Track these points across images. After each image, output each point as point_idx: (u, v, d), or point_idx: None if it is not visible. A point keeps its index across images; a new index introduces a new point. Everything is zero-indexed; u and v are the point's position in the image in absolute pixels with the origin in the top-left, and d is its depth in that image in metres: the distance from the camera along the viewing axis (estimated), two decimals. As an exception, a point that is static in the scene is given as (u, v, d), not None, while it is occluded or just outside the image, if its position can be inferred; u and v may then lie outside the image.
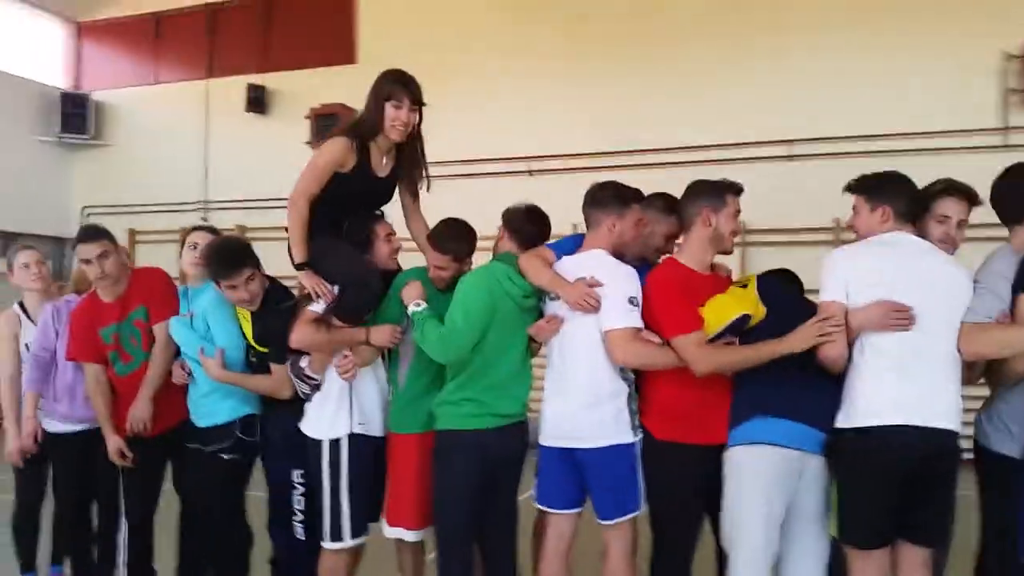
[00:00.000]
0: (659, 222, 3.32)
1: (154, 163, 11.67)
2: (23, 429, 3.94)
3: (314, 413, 3.33)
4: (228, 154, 11.17)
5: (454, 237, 3.30)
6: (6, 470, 4.21)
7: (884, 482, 2.71)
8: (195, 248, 3.75)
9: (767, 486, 2.84)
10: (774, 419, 2.87)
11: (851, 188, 3.00)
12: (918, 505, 2.74)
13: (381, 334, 3.22)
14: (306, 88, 10.66)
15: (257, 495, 3.74)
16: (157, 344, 3.68)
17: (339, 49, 10.80)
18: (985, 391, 3.05)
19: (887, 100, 8.58)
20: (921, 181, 3.03)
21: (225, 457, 3.57)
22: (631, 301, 3.01)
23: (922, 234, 2.94)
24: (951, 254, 2.94)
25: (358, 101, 10.11)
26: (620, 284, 3.03)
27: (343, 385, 3.27)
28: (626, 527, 3.12)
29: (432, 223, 3.46)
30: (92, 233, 3.71)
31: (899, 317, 2.71)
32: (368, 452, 3.31)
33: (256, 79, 11.08)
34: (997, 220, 3.02)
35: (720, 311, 2.94)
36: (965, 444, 2.84)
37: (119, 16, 12.24)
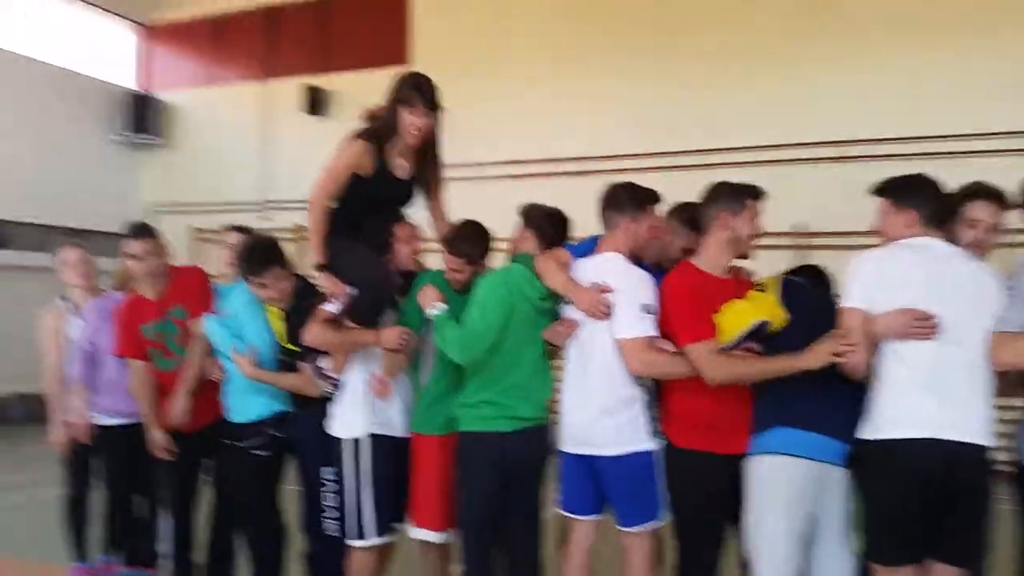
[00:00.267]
0: (679, 235, 3.28)
1: (216, 163, 12.01)
2: (76, 423, 4.10)
3: (337, 412, 3.40)
4: (286, 154, 11.40)
5: (467, 240, 3.32)
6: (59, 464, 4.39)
7: (907, 497, 2.61)
8: (231, 249, 3.84)
9: (788, 498, 2.78)
10: (796, 430, 2.80)
11: (877, 191, 2.91)
12: (946, 522, 2.63)
13: (390, 336, 3.25)
14: (362, 89, 10.77)
15: (294, 489, 3.82)
16: (193, 341, 3.79)
17: (394, 50, 10.93)
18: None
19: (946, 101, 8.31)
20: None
21: (258, 453, 3.67)
22: (645, 308, 2.97)
23: (952, 239, 2.83)
24: (981, 260, 2.83)
25: (412, 102, 10.01)
26: (634, 291, 3.00)
27: (363, 386, 3.32)
28: (647, 536, 3.09)
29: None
30: (141, 230, 3.87)
31: (923, 325, 2.61)
32: (390, 452, 3.35)
33: (313, 80, 11.31)
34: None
35: (736, 318, 2.88)
36: (1004, 457, 2.74)
37: (184, 18, 12.62)
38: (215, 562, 3.92)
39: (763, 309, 2.91)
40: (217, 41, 12.41)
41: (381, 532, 3.35)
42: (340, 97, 11.20)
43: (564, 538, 3.30)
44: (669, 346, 2.97)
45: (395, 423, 3.39)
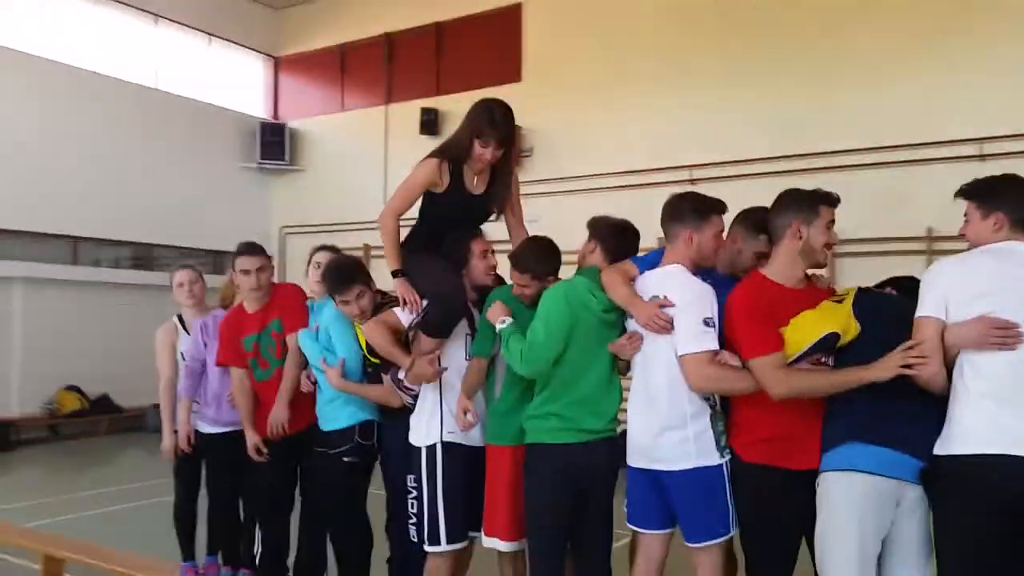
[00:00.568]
0: (748, 241, 3.19)
1: (341, 185, 12.60)
2: (179, 433, 4.43)
3: (414, 422, 3.52)
4: (405, 174, 11.78)
5: (533, 256, 3.35)
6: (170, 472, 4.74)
7: (982, 518, 2.43)
8: (318, 267, 4.04)
9: (860, 517, 2.65)
10: (869, 445, 2.67)
11: (962, 193, 2.73)
12: None
13: (420, 368, 3.36)
14: (474, 108, 11.08)
15: (380, 494, 3.96)
16: (289, 353, 4.02)
17: (506, 68, 11.19)
18: None
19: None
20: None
21: (346, 459, 3.82)
22: (706, 323, 2.90)
23: None
24: None
25: (523, 118, 10.48)
26: (694, 304, 2.93)
27: (436, 395, 3.42)
28: (715, 550, 3.01)
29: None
30: (252, 248, 4.14)
31: (1003, 335, 2.44)
32: (464, 461, 3.42)
33: (429, 102, 11.68)
34: None
35: (805, 329, 2.77)
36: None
37: (311, 49, 13.37)
38: (306, 567, 4.09)
39: (834, 320, 2.80)
40: (341, 70, 13.08)
41: (454, 539, 3.41)
42: (454, 117, 11.46)
43: (633, 551, 3.26)
44: (733, 360, 2.90)
45: (470, 433, 3.45)
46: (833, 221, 2.95)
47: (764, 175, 8.66)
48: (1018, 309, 2.46)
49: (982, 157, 8.05)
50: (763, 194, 3.23)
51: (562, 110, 10.66)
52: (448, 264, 3.49)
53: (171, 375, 4.57)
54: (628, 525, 3.19)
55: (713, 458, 2.95)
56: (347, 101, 13.01)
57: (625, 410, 3.17)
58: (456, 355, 3.48)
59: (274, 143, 13.14)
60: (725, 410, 3.05)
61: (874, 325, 2.75)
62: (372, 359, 3.77)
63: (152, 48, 12.23)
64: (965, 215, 2.73)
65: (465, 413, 3.39)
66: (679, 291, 2.96)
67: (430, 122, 11.53)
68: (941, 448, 2.54)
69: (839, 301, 2.88)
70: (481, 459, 3.45)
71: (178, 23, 12.43)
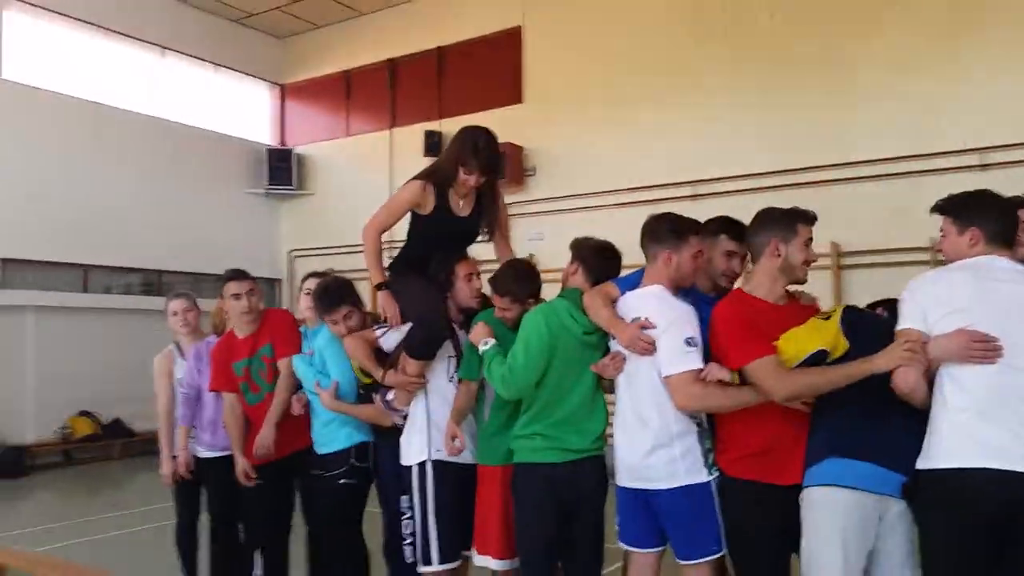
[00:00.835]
0: (713, 247, 3.23)
1: (347, 208, 12.62)
2: (178, 458, 4.50)
3: (404, 441, 3.56)
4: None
5: (511, 280, 3.39)
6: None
7: (967, 531, 2.43)
8: (309, 293, 4.10)
9: (844, 531, 2.64)
10: (851, 460, 2.67)
11: (938, 209, 2.76)
12: (1012, 563, 2.43)
13: (398, 386, 3.48)
14: (476, 130, 11.18)
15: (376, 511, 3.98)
16: (281, 377, 4.08)
17: (507, 90, 11.29)
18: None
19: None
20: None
21: (342, 482, 3.86)
22: (688, 342, 2.92)
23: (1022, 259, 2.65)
24: None
25: (525, 139, 10.57)
26: (676, 325, 2.96)
27: (424, 415, 3.48)
28: (707, 568, 3.02)
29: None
30: (242, 273, 4.23)
31: (983, 348, 2.45)
32: (454, 479, 3.45)
33: (433, 125, 11.79)
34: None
35: (794, 345, 2.78)
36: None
37: (316, 76, 13.53)
38: None
39: (820, 338, 2.80)
40: (345, 95, 13.21)
41: (447, 558, 3.43)
42: (457, 140, 11.59)
43: (626, 569, 3.27)
44: (720, 372, 2.89)
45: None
46: (811, 239, 2.97)
47: (769, 189, 8.68)
48: (995, 323, 2.47)
49: (984, 167, 8.05)
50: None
51: (564, 129, 10.74)
52: (432, 286, 3.54)
53: (167, 401, 4.65)
54: (619, 544, 3.20)
55: (701, 475, 2.97)
56: (352, 126, 13.15)
57: (612, 426, 3.19)
58: (439, 376, 3.52)
59: (281, 168, 13.26)
60: (711, 427, 3.06)
61: (863, 341, 2.74)
62: (365, 380, 3.82)
63: (160, 79, 12.41)
64: (941, 231, 2.75)
65: (453, 439, 3.42)
66: (660, 312, 2.99)
67: (434, 145, 11.63)
68: (923, 463, 2.54)
69: (826, 318, 2.89)
70: (473, 478, 3.48)
71: (185, 54, 12.62)
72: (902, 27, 8.57)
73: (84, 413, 10.90)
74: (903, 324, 2.63)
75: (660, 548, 3.13)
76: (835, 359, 2.79)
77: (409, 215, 3.65)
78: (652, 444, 2.98)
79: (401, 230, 3.75)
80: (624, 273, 3.34)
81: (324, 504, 3.97)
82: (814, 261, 3.01)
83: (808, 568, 2.73)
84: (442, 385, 3.51)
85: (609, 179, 10.12)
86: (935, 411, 2.56)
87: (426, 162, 11.58)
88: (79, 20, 11.29)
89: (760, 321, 2.88)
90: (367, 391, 3.81)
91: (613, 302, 3.14)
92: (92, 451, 10.93)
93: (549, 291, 3.45)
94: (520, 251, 3.74)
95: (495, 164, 3.57)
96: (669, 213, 3.20)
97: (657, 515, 3.05)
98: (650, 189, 9.64)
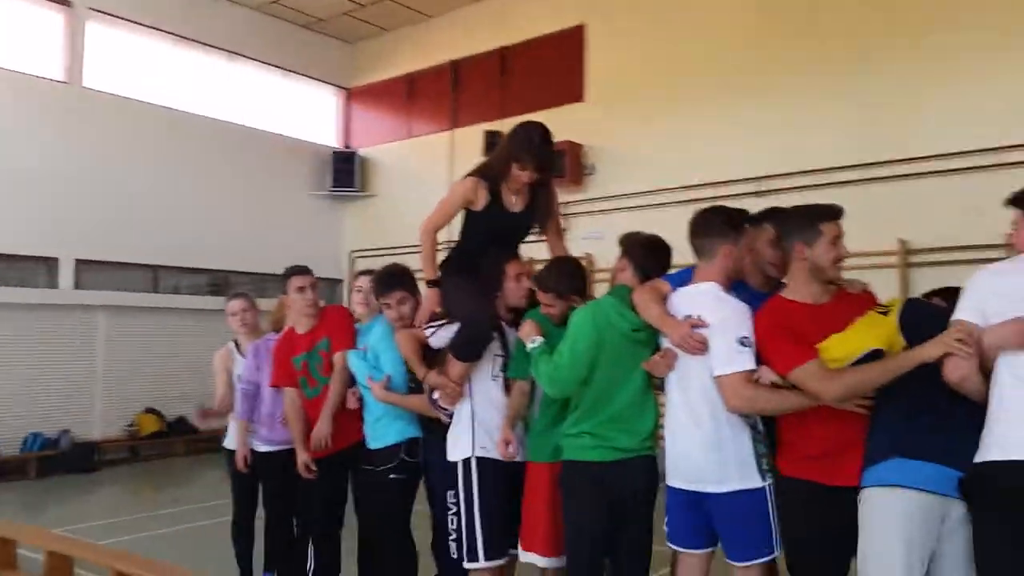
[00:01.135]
0: (758, 235, 3.14)
1: (408, 209, 12.69)
2: (236, 453, 4.58)
3: (450, 437, 3.54)
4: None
5: (555, 276, 3.35)
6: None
7: (1018, 527, 2.30)
8: (360, 291, 4.09)
9: (905, 535, 2.52)
10: (911, 460, 2.55)
11: (1012, 201, 2.65)
12: None
13: (439, 388, 3.43)
14: (536, 130, 11.14)
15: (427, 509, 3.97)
16: (335, 371, 4.10)
17: (569, 88, 11.21)
18: None
19: None
20: None
21: (392, 477, 3.86)
22: (741, 342, 2.82)
23: None
24: None
25: (586, 136, 10.47)
26: (729, 324, 2.86)
27: (468, 412, 3.45)
28: (758, 571, 2.93)
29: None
30: (305, 269, 4.35)
31: None
32: (500, 475, 3.41)
33: (493, 126, 11.77)
34: None
35: (847, 346, 2.67)
36: None
37: (380, 79, 13.70)
38: None
39: (877, 335, 2.69)
40: (408, 98, 13.35)
41: (493, 555, 3.40)
42: (517, 140, 11.56)
43: (675, 571, 3.18)
44: (772, 375, 2.80)
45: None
46: (839, 235, 2.86)
47: (835, 185, 8.39)
48: None
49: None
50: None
51: (626, 127, 10.61)
52: (482, 287, 3.51)
53: (225, 395, 4.75)
54: (668, 544, 3.12)
55: (754, 481, 2.88)
56: (414, 128, 13.26)
57: (663, 427, 3.10)
58: (483, 373, 3.49)
59: (345, 171, 13.45)
60: (769, 428, 2.96)
61: (920, 338, 2.61)
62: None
63: (229, 84, 12.71)
64: (1013, 223, 2.64)
65: (507, 444, 3.38)
66: (713, 310, 2.90)
67: (493, 145, 11.53)
68: (979, 455, 2.42)
69: (884, 312, 2.77)
70: (519, 474, 3.43)
71: (254, 59, 12.90)
72: (977, 15, 8.19)
73: (150, 410, 11.22)
74: (958, 315, 2.53)
75: (710, 549, 3.04)
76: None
77: (463, 212, 3.63)
78: (704, 445, 2.90)
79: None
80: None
81: (374, 499, 3.98)
82: (846, 257, 2.88)
83: (866, 571, 2.62)
84: (486, 383, 3.49)
85: (671, 177, 9.95)
86: (992, 403, 2.45)
87: (487, 162, 11.61)
88: (154, 28, 11.67)
89: (800, 325, 2.79)
90: (418, 386, 3.79)
91: (664, 299, 3.05)
92: (157, 448, 11.24)
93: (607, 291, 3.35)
94: (577, 250, 3.69)
95: (549, 160, 3.53)
96: (720, 206, 3.10)
97: (708, 517, 2.96)
98: (713, 186, 9.41)
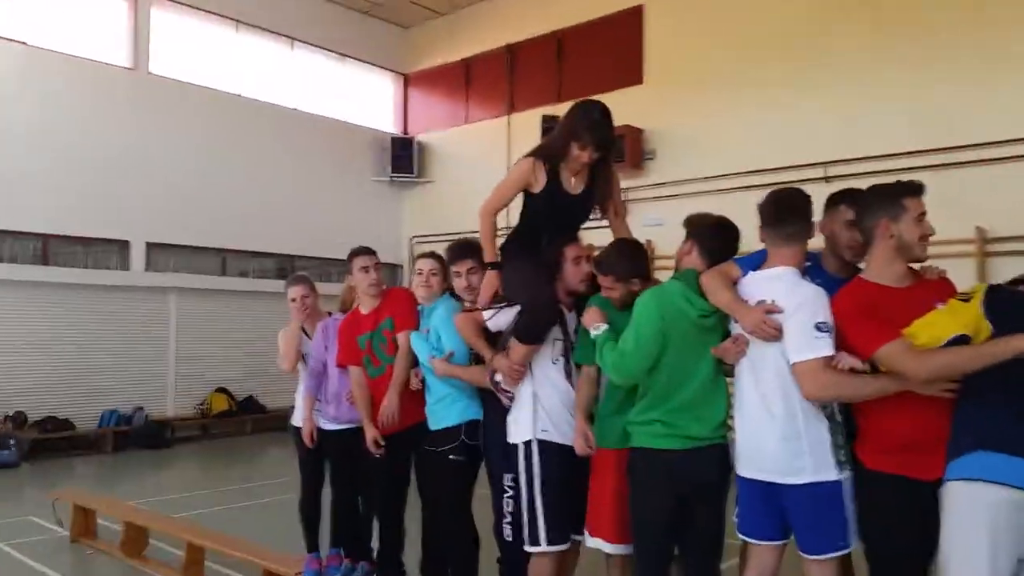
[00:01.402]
0: (829, 217, 3.10)
1: (466, 194, 12.73)
2: (303, 429, 4.67)
3: (511, 419, 3.54)
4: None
5: (614, 258, 3.30)
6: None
7: None
8: (421, 274, 4.14)
9: (992, 532, 2.42)
10: (1000, 454, 2.45)
11: None
12: None
13: (503, 371, 3.44)
14: (595, 113, 11.05)
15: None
16: (399, 350, 4.17)
17: (627, 71, 11.09)
18: None
19: None
20: None
21: (451, 458, 3.87)
22: (819, 327, 2.72)
23: None
24: None
25: (645, 120, 10.33)
26: (806, 308, 2.76)
27: (530, 393, 3.45)
28: (832, 564, 2.84)
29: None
30: (368, 249, 4.44)
31: None
32: (561, 459, 3.39)
33: (550, 110, 11.72)
34: None
35: (932, 332, 2.58)
36: None
37: (437, 65, 13.75)
38: (428, 562, 4.17)
39: (962, 321, 2.59)
40: (464, 83, 13.37)
41: (555, 539, 3.38)
42: (575, 124, 11.49)
43: (744, 562, 3.13)
44: (852, 360, 2.71)
45: (562, 430, 3.43)
46: (924, 213, 2.75)
47: (907, 171, 8.11)
48: None
49: None
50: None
51: (686, 110, 10.46)
52: (543, 270, 3.49)
53: (293, 360, 4.82)
54: (738, 535, 3.07)
55: (830, 473, 2.79)
56: (471, 113, 13.29)
57: (733, 417, 3.04)
58: (544, 357, 3.47)
59: (403, 156, 13.57)
60: (848, 418, 2.88)
61: (1008, 324, 2.51)
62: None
63: (291, 70, 12.92)
64: None
65: (585, 439, 3.34)
66: (788, 295, 2.81)
67: (551, 130, 11.48)
68: None
69: (966, 300, 2.66)
70: (582, 459, 3.40)
71: (315, 45, 13.08)
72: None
73: (220, 390, 11.56)
74: None
75: (782, 541, 2.97)
76: (979, 343, 2.56)
77: (522, 195, 3.61)
78: (778, 435, 2.82)
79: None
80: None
81: (434, 480, 4.00)
82: (932, 235, 2.78)
83: (949, 570, 2.52)
84: (547, 366, 3.47)
85: (733, 162, 9.79)
86: None
87: (544, 147, 11.57)
88: (217, 15, 11.91)
89: (883, 307, 2.69)
90: (479, 363, 3.82)
91: (734, 283, 2.98)
92: (227, 426, 11.60)
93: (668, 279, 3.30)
94: (637, 236, 3.65)
95: (609, 139, 3.46)
96: (796, 189, 3.01)
97: (782, 508, 2.89)
98: (776, 171, 9.22)
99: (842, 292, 2.83)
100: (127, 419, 10.53)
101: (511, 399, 3.54)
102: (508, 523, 3.56)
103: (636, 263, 3.32)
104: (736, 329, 2.98)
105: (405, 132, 14.08)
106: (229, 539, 5.04)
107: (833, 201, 3.13)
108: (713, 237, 3.14)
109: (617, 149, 3.40)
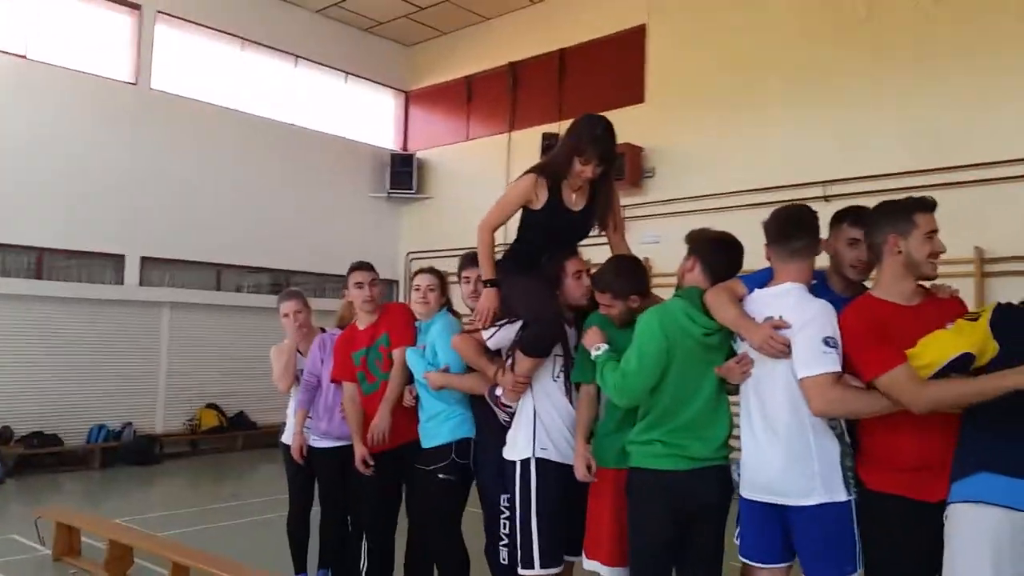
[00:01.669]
0: (837, 235, 3.03)
1: (465, 211, 12.70)
2: (293, 444, 4.57)
3: (510, 436, 3.46)
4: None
5: (612, 275, 3.23)
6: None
7: None
8: (418, 290, 4.07)
9: (995, 554, 2.35)
10: (1004, 476, 2.38)
11: None
12: None
13: (508, 385, 3.35)
14: (594, 132, 11.03)
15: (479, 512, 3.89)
16: (394, 366, 4.09)
17: (629, 90, 11.05)
18: None
19: None
20: None
21: (441, 477, 3.79)
22: (827, 342, 2.65)
23: None
24: None
25: (645, 139, 10.29)
26: (814, 323, 2.69)
27: (530, 410, 3.36)
28: (836, 591, 2.74)
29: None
30: (365, 264, 4.39)
31: None
32: (559, 479, 3.31)
33: (551, 127, 11.70)
34: None
35: (937, 350, 2.50)
36: None
37: (439, 82, 13.74)
38: None
39: (966, 340, 2.51)
40: (466, 100, 13.34)
41: (548, 563, 3.29)
42: (575, 142, 11.46)
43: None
44: (858, 382, 2.65)
45: (561, 449, 3.35)
46: (935, 230, 2.69)
47: (905, 190, 8.09)
48: None
49: None
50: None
51: (686, 129, 10.42)
52: (545, 284, 3.43)
53: (284, 391, 4.73)
54: (740, 558, 2.97)
55: (840, 494, 2.71)
56: (472, 130, 13.26)
57: (737, 437, 2.95)
58: (545, 374, 3.40)
59: (403, 173, 13.52)
60: (852, 437, 2.79)
61: (1015, 342, 2.44)
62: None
63: (292, 87, 12.89)
64: None
65: (587, 465, 3.23)
66: (796, 310, 2.75)
67: (551, 147, 11.46)
68: None
69: (974, 319, 2.59)
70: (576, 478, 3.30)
71: (316, 63, 13.07)
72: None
73: (211, 406, 11.41)
74: None
75: (786, 564, 2.88)
76: (984, 363, 2.49)
77: (520, 211, 3.55)
78: (786, 456, 2.74)
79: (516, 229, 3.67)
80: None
81: (423, 499, 3.93)
82: (942, 252, 2.71)
83: None
84: (547, 383, 3.40)
85: (732, 181, 9.73)
86: None
87: (543, 164, 11.54)
88: (220, 31, 11.89)
89: (890, 326, 2.62)
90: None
91: (739, 300, 2.91)
92: (217, 442, 11.43)
93: (666, 297, 3.21)
94: (635, 254, 3.59)
95: (612, 153, 3.41)
96: (804, 205, 2.94)
97: (787, 530, 2.80)
98: (775, 190, 9.19)
99: (849, 309, 2.76)
100: (116, 435, 10.37)
101: (510, 415, 3.45)
102: (505, 545, 3.46)
103: (634, 280, 3.25)
104: (741, 348, 2.90)
105: (405, 148, 14.04)
106: (215, 558, 4.91)
107: (837, 219, 3.08)
108: (715, 252, 3.08)
109: (618, 166, 3.33)
